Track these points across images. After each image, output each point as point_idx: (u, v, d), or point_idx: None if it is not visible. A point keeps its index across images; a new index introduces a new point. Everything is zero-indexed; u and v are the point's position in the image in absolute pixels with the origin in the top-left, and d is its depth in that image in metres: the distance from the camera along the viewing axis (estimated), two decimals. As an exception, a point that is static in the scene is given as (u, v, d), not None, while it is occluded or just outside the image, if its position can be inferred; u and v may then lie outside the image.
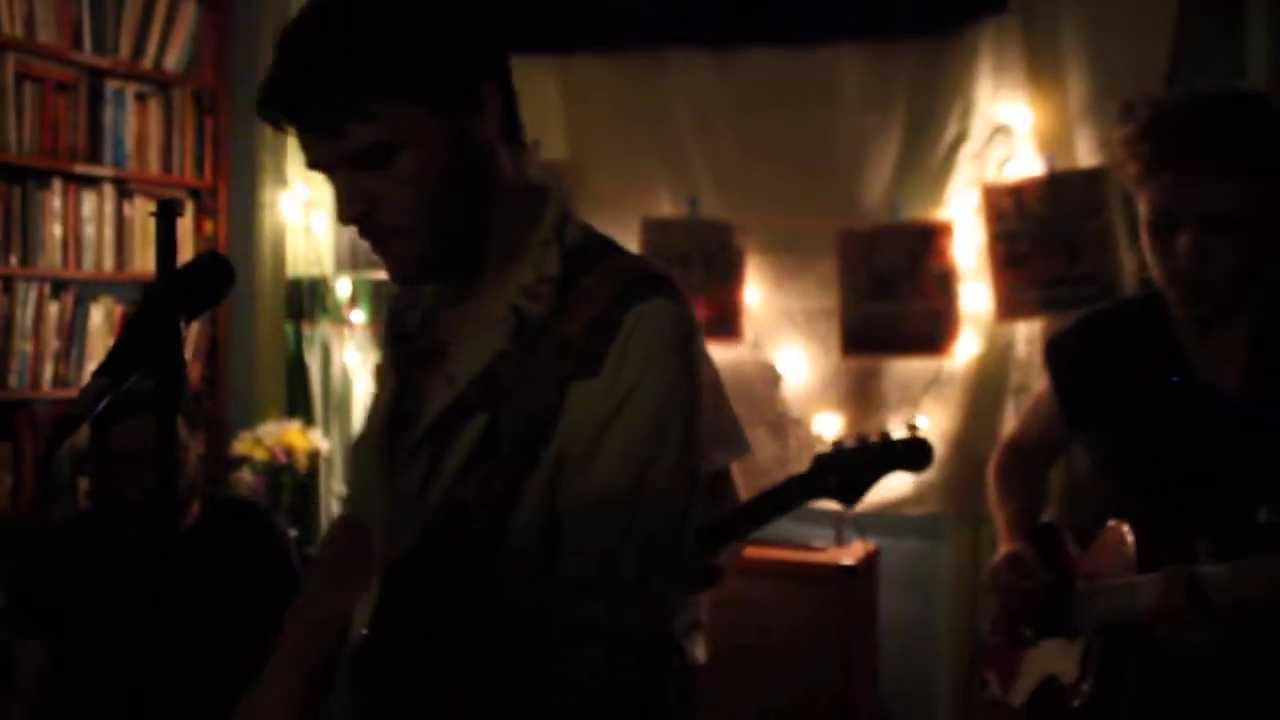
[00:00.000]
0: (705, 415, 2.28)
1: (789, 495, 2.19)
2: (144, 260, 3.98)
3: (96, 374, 1.16)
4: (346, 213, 1.28)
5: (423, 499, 1.35)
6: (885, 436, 2.14)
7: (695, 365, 1.32)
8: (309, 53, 1.23)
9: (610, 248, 1.38)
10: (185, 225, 1.04)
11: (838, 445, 2.19)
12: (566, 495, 1.28)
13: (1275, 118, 1.76)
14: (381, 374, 1.53)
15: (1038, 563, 1.98)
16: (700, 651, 2.40)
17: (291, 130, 1.27)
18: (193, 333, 4.09)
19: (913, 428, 2.16)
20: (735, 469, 2.41)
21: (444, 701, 1.34)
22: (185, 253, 1.12)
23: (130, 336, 1.19)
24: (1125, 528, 1.84)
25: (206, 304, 1.28)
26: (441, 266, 1.34)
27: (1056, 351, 2.10)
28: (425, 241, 1.29)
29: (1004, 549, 2.05)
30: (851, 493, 2.16)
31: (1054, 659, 1.94)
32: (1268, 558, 1.65)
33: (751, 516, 2.24)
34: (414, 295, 1.48)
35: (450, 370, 1.36)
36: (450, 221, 1.30)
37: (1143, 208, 1.81)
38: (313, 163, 1.29)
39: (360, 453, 1.52)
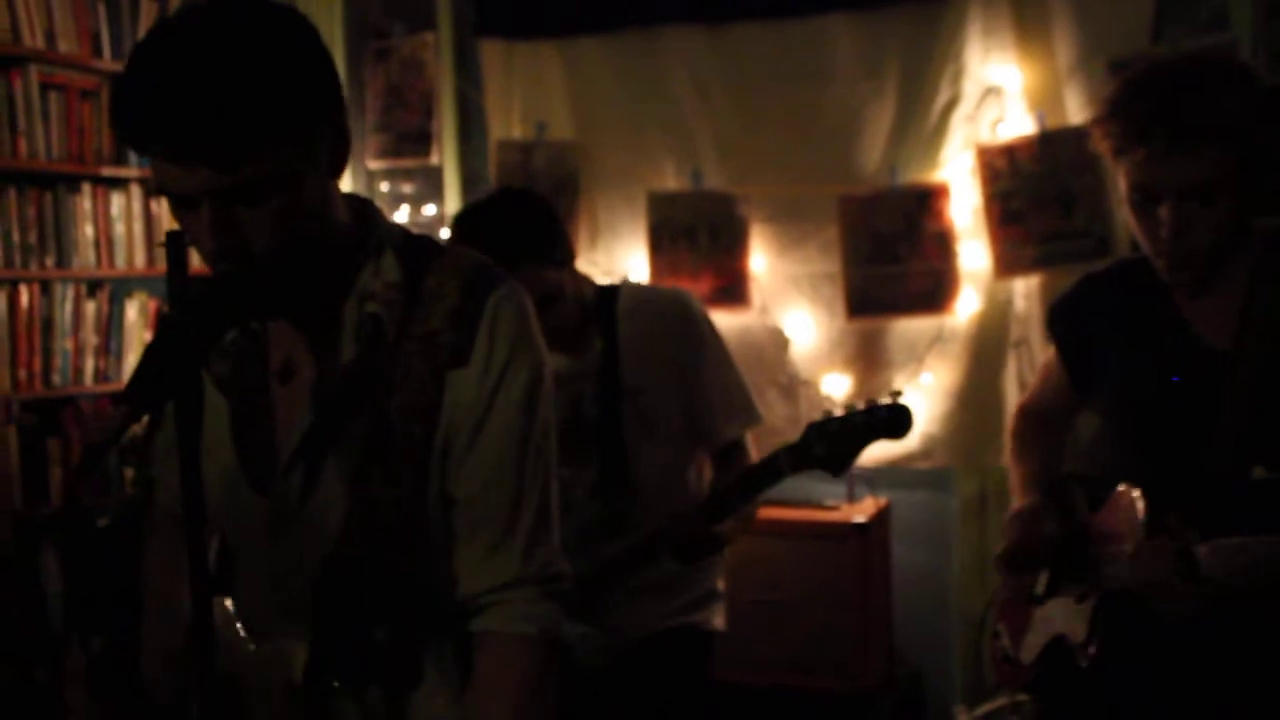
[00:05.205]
0: (716, 390, 2.28)
1: (780, 467, 2.14)
2: (174, 256, 3.99)
3: (117, 403, 1.16)
4: (220, 244, 1.22)
5: (306, 507, 1.35)
6: (871, 405, 2.07)
7: (541, 338, 1.39)
8: (215, 84, 1.16)
9: (434, 245, 1.42)
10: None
11: (827, 415, 2.12)
12: (458, 474, 1.35)
13: (1240, 81, 1.68)
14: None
15: (1052, 514, 1.92)
16: (719, 620, 2.38)
17: (161, 153, 1.19)
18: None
19: (895, 394, 2.09)
20: (750, 434, 2.37)
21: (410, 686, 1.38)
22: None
23: (147, 364, 1.15)
24: (1135, 492, 1.78)
25: (224, 328, 1.25)
26: (292, 296, 1.33)
27: (1056, 317, 2.04)
28: (284, 273, 1.27)
29: (1018, 503, 2.01)
30: (839, 463, 2.09)
31: (1064, 618, 1.89)
32: (1258, 537, 1.59)
33: (748, 488, 2.19)
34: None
35: (306, 383, 1.36)
36: (304, 254, 1.28)
37: (1122, 183, 1.74)
38: (184, 190, 1.20)
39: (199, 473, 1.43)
